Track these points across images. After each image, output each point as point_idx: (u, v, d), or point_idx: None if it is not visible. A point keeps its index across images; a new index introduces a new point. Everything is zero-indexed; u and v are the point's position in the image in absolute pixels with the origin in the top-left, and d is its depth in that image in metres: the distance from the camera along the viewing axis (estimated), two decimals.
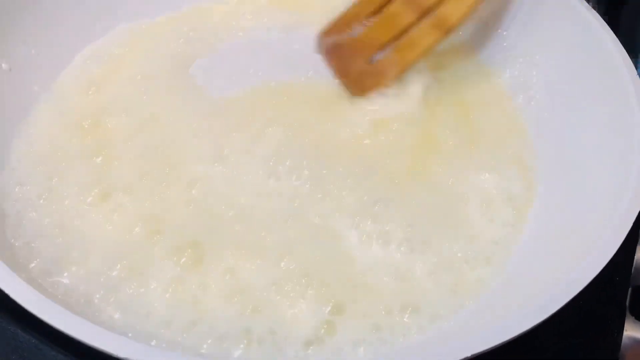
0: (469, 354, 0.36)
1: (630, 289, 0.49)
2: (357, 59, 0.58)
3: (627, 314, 0.48)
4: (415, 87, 0.57)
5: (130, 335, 0.43)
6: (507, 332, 0.41)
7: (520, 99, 0.58)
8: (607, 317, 0.48)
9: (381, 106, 0.56)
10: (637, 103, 0.48)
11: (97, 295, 0.45)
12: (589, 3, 0.56)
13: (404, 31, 0.56)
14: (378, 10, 0.57)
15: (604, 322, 0.48)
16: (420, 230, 0.49)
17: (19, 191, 0.50)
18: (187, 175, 0.51)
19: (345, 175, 0.51)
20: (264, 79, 0.59)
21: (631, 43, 0.61)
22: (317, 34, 0.59)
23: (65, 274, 0.46)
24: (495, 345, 0.37)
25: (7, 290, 0.39)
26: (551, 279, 0.42)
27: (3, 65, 0.54)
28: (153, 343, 0.43)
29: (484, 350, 0.36)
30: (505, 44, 0.61)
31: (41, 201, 0.50)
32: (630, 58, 0.52)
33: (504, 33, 0.61)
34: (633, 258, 0.50)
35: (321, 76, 0.59)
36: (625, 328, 0.47)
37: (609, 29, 0.53)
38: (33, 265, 0.46)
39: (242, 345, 0.43)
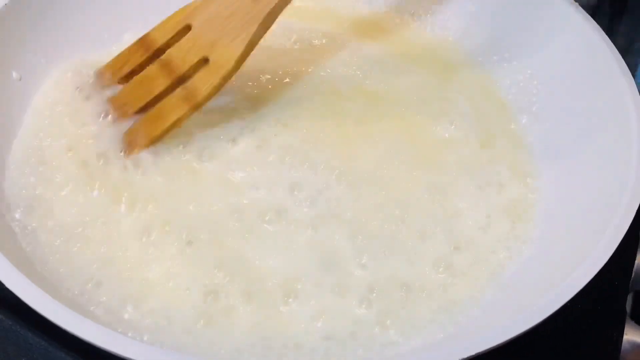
0: (467, 355, 0.36)
1: (630, 294, 0.50)
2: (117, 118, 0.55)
3: (628, 318, 0.49)
4: None
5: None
6: (505, 333, 0.42)
7: (522, 109, 0.59)
8: (608, 321, 0.48)
9: None
10: (635, 117, 0.49)
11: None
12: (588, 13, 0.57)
13: (157, 99, 0.54)
14: (138, 69, 0.56)
15: (605, 326, 0.48)
16: (418, 238, 0.50)
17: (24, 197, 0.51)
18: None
19: None
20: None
21: (630, 52, 0.62)
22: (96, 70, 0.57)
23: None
24: (494, 346, 0.37)
25: (18, 292, 0.39)
26: (549, 282, 0.43)
27: (13, 74, 0.55)
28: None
29: (482, 351, 0.37)
30: (506, 55, 0.62)
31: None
32: (629, 67, 0.53)
33: (503, 44, 0.62)
34: (633, 263, 0.51)
35: None
36: (625, 332, 0.48)
37: (608, 39, 0.54)
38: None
39: None
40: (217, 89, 0.52)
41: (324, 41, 0.64)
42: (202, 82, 0.52)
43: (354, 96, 0.59)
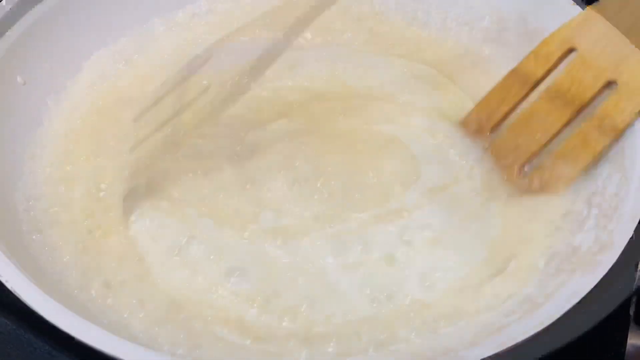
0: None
1: (634, 298, 0.50)
2: (506, 168, 0.51)
3: (631, 323, 0.49)
4: None
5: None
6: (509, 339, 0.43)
7: None
8: (611, 325, 0.48)
9: None
10: None
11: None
12: None
13: (555, 135, 0.50)
14: (514, 107, 0.51)
15: (608, 330, 0.48)
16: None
17: (32, 204, 0.51)
18: None
19: None
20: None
21: None
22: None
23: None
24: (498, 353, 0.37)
25: (23, 296, 0.39)
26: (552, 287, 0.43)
27: (18, 78, 0.55)
28: None
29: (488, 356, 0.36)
30: None
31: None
32: None
33: None
34: (637, 266, 0.50)
35: None
36: (629, 337, 0.48)
37: None
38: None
39: None
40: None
41: None
42: (616, 108, 0.47)
43: None
